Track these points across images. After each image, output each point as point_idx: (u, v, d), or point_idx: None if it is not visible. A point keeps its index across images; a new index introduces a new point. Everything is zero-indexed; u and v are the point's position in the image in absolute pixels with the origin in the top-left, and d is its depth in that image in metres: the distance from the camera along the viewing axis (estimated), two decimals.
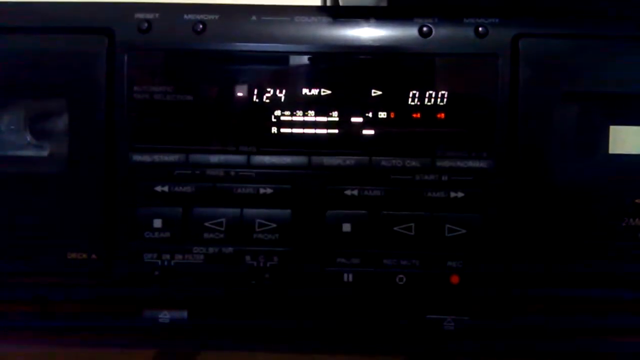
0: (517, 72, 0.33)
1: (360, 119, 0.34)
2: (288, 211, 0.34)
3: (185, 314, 0.34)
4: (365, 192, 0.34)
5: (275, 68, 0.35)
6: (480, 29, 0.34)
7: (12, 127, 0.37)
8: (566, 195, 0.34)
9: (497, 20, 0.34)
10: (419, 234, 0.34)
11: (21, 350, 0.36)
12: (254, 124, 0.34)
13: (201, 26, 0.34)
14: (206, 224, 0.34)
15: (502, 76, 0.33)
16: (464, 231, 0.34)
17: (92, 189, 0.34)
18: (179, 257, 0.34)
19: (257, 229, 0.34)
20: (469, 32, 0.34)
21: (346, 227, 0.34)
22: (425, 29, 0.34)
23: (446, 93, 0.34)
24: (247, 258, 0.34)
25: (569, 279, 0.34)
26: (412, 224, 0.34)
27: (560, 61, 0.34)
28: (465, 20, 0.34)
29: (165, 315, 0.34)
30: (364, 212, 0.34)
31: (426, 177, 0.34)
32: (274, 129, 0.34)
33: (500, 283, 0.34)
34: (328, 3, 0.48)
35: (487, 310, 0.34)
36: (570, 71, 0.34)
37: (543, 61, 0.34)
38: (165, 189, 0.34)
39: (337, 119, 0.34)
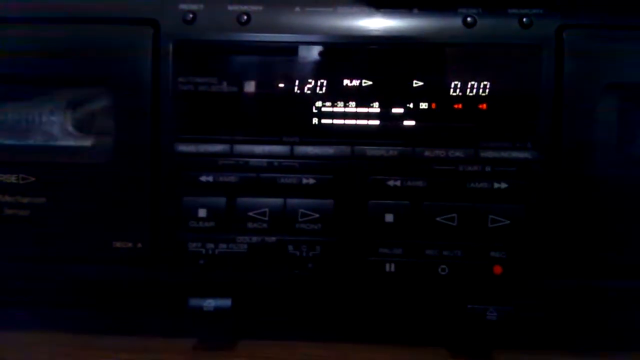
0: (561, 63, 0.33)
1: (401, 110, 0.34)
2: (331, 201, 0.35)
3: (229, 302, 0.35)
4: (408, 183, 0.34)
5: (318, 59, 0.35)
6: (524, 19, 0.34)
7: (55, 117, 0.37)
8: (608, 186, 0.34)
9: (541, 10, 0.34)
10: (462, 224, 0.34)
11: (67, 337, 0.37)
12: (296, 115, 0.35)
13: (245, 17, 0.34)
14: (250, 213, 0.35)
15: (546, 67, 0.33)
16: (507, 222, 0.34)
17: (138, 179, 0.35)
18: (222, 246, 0.35)
19: (299, 219, 0.35)
20: (513, 23, 0.34)
21: (389, 218, 0.34)
22: (469, 19, 0.34)
23: (488, 84, 0.34)
24: (290, 248, 0.35)
25: (612, 271, 0.34)
26: (455, 215, 0.34)
27: (605, 52, 0.34)
28: (510, 11, 0.34)
29: (209, 303, 0.35)
30: (406, 202, 0.34)
31: (469, 168, 0.34)
32: (316, 120, 0.35)
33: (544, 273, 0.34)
34: None
35: (530, 300, 0.34)
36: (615, 62, 0.34)
37: (587, 52, 0.33)
38: (210, 178, 0.34)
39: (378, 109, 0.34)
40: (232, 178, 0.34)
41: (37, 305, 0.37)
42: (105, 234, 0.35)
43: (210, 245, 0.35)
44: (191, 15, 0.34)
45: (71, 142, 0.36)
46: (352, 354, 0.35)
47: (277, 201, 0.35)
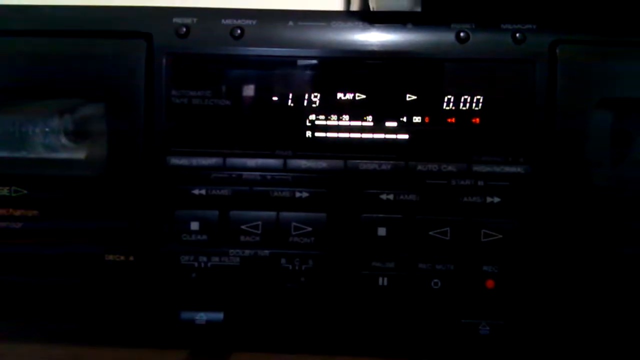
0: (554, 78, 0.33)
1: (394, 124, 0.34)
2: (323, 215, 0.35)
3: (221, 315, 0.35)
4: (401, 197, 0.34)
5: (311, 73, 0.35)
6: (517, 35, 0.34)
7: (47, 129, 0.37)
8: (601, 200, 0.34)
9: (534, 26, 0.34)
10: (455, 238, 0.34)
11: (59, 349, 0.37)
12: (290, 128, 0.35)
13: (239, 31, 0.34)
14: (242, 226, 0.35)
15: (539, 82, 0.33)
16: (500, 236, 0.34)
17: (130, 192, 0.35)
18: (215, 259, 0.35)
19: (292, 232, 0.35)
20: (507, 38, 0.34)
21: (381, 231, 0.34)
22: (462, 34, 0.34)
23: (482, 98, 0.34)
24: (283, 261, 0.35)
25: (605, 285, 0.34)
26: (448, 229, 0.34)
27: (598, 67, 0.34)
28: (503, 26, 0.34)
29: (201, 317, 0.35)
30: (399, 216, 0.34)
31: (462, 182, 0.34)
32: (310, 133, 0.35)
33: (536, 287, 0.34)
34: (353, 7, 0.49)
35: (522, 314, 0.34)
36: (608, 77, 0.34)
37: (580, 67, 0.34)
38: (203, 192, 0.34)
39: (371, 123, 0.35)
40: (224, 191, 0.34)
41: (29, 317, 0.37)
42: (97, 246, 0.35)
43: (203, 259, 0.35)
44: (185, 29, 0.34)
45: (64, 155, 0.36)
46: None
47: (270, 214, 0.35)
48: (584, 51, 0.34)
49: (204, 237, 0.34)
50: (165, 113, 0.34)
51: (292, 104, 0.34)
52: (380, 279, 0.35)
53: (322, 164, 0.35)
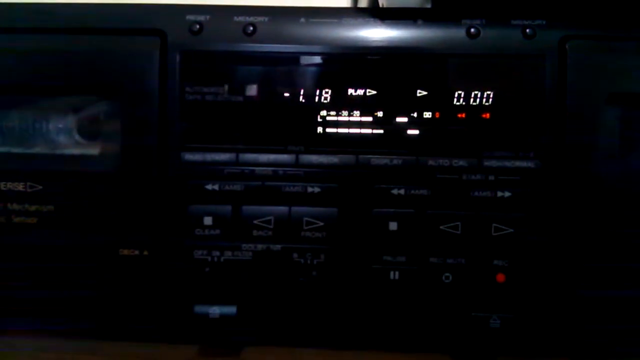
0: (564, 73, 0.34)
1: (405, 119, 0.35)
2: (335, 209, 0.35)
3: (234, 309, 0.35)
4: (412, 191, 0.35)
5: (322, 69, 0.35)
6: (527, 30, 0.34)
7: (62, 126, 0.37)
8: (611, 195, 0.34)
9: (544, 22, 0.34)
10: (466, 232, 0.34)
11: (72, 343, 0.37)
12: (301, 124, 0.35)
13: (251, 28, 0.35)
14: (255, 221, 0.35)
15: (549, 77, 0.34)
16: (510, 230, 0.34)
17: (144, 187, 0.35)
18: (228, 254, 0.35)
19: (304, 227, 0.35)
20: (517, 34, 0.34)
21: (393, 226, 0.35)
22: (473, 30, 0.34)
23: (492, 93, 0.34)
24: (295, 255, 0.35)
25: (615, 280, 0.34)
26: (459, 223, 0.34)
27: (607, 63, 0.34)
28: (513, 22, 0.34)
29: (215, 311, 0.35)
30: (410, 210, 0.35)
31: (473, 177, 0.34)
32: (321, 129, 0.35)
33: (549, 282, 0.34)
34: (361, 4, 0.49)
35: (533, 308, 0.35)
36: (617, 72, 0.34)
37: (590, 62, 0.34)
38: (216, 187, 0.35)
39: (382, 119, 0.35)
40: (237, 186, 0.35)
41: (44, 312, 0.37)
42: (112, 241, 0.35)
43: (216, 253, 0.35)
44: (198, 26, 0.35)
45: (78, 151, 0.37)
46: None
47: (282, 209, 0.35)
48: (593, 46, 0.34)
49: (217, 231, 0.35)
50: (179, 109, 0.35)
51: (303, 100, 0.35)
52: (392, 273, 0.35)
53: (333, 159, 0.35)
